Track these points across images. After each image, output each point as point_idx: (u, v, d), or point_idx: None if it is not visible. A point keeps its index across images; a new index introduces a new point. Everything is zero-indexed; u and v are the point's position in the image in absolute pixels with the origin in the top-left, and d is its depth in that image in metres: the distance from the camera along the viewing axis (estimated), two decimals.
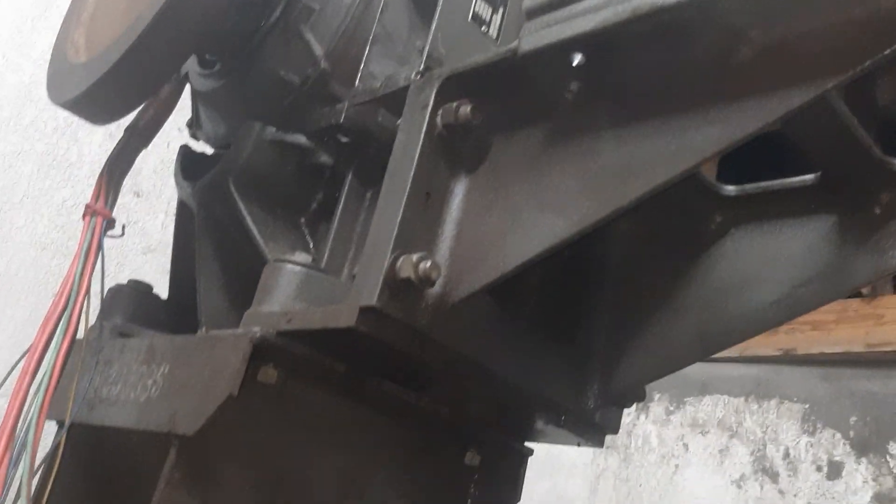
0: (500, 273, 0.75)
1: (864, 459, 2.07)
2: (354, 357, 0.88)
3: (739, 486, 2.23)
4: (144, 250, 2.26)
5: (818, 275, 0.80)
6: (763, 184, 0.85)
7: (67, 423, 0.93)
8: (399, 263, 0.76)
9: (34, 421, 0.78)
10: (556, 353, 0.90)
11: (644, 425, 2.47)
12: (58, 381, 0.82)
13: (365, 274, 0.78)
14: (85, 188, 2.18)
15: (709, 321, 0.85)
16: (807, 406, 2.20)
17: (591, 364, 0.92)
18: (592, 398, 0.92)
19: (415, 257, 0.75)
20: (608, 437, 2.68)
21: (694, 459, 2.34)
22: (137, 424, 0.89)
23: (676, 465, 2.36)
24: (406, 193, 0.78)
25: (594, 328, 0.94)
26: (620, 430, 2.69)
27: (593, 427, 0.95)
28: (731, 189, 0.88)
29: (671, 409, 2.43)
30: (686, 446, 2.36)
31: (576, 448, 2.70)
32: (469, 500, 1.06)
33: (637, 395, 0.94)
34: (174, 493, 0.82)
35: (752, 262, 0.85)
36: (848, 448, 2.11)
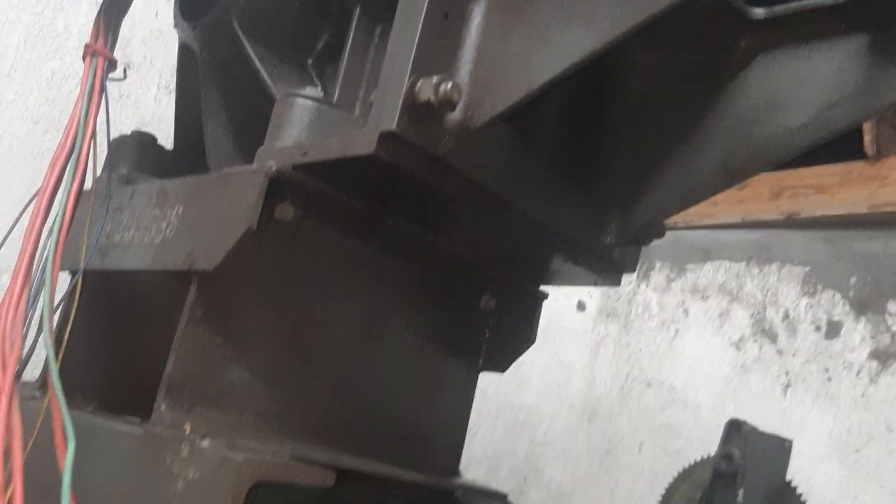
0: (524, 93, 0.72)
1: (862, 318, 2.10)
2: (371, 193, 0.87)
3: (738, 348, 2.27)
4: (139, 124, 2.21)
5: (848, 95, 0.78)
6: (793, 4, 0.82)
7: (81, 269, 0.92)
8: (418, 86, 0.73)
9: (50, 258, 0.76)
10: (575, 189, 0.89)
11: (645, 293, 2.49)
12: (72, 218, 0.80)
13: (382, 99, 0.75)
14: (73, 60, 2.12)
15: (734, 149, 0.83)
16: (807, 268, 2.21)
17: (610, 200, 0.91)
18: (611, 235, 0.92)
19: (434, 79, 0.73)
20: (609, 305, 2.71)
21: (694, 324, 2.37)
22: (153, 265, 0.88)
23: (676, 330, 2.40)
24: (423, 14, 0.74)
25: (614, 164, 0.92)
26: (621, 298, 2.72)
27: (611, 265, 0.95)
28: (759, 12, 0.84)
29: (672, 276, 2.45)
30: (686, 312, 2.39)
31: (576, 316, 2.74)
32: (485, 343, 1.06)
33: (656, 232, 0.93)
34: (197, 329, 0.82)
35: (780, 86, 0.82)
36: (847, 308, 2.13)
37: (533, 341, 1.06)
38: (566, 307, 2.63)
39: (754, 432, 1.69)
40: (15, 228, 0.98)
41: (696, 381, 2.32)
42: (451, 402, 1.05)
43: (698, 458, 1.83)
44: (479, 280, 1.03)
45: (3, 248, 0.95)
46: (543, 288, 1.08)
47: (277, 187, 0.80)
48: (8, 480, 0.60)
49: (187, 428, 0.77)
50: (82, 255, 0.91)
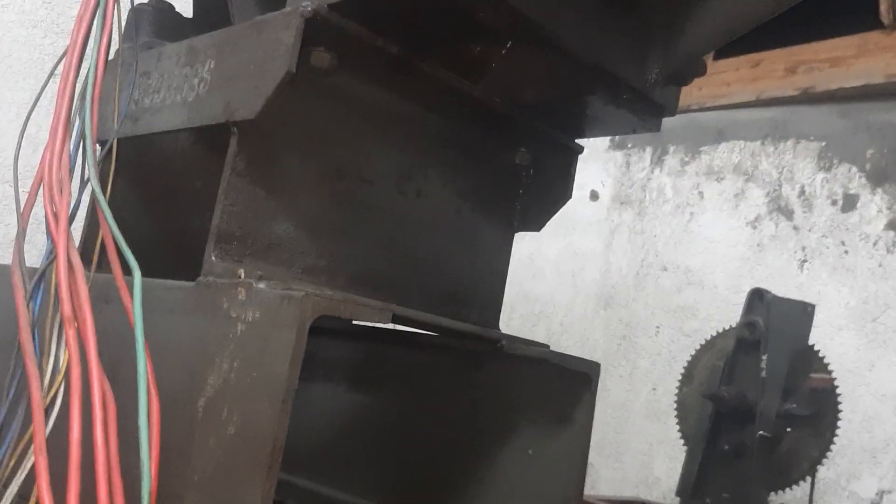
0: None
1: (878, 190, 2.10)
2: (407, 34, 0.85)
3: (754, 227, 2.28)
4: None
5: None
6: None
7: (115, 133, 0.90)
8: None
9: (88, 104, 0.74)
10: (618, 23, 0.87)
11: (659, 178, 2.48)
12: (104, 67, 0.78)
13: None
14: None
15: None
16: (823, 143, 2.20)
17: (651, 35, 0.89)
18: (653, 73, 0.90)
19: None
20: (622, 193, 2.69)
21: (709, 206, 2.37)
22: (189, 123, 0.87)
23: (691, 213, 2.40)
24: None
25: None
26: (634, 185, 2.70)
27: (652, 106, 0.94)
28: None
29: (686, 159, 2.43)
30: (701, 194, 2.39)
31: (589, 206, 2.73)
32: (521, 200, 1.06)
33: (696, 70, 0.91)
34: (240, 181, 0.82)
35: None
36: (863, 180, 2.13)
37: (569, 197, 1.05)
38: (579, 198, 2.63)
39: (777, 299, 1.71)
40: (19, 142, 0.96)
41: (712, 263, 2.33)
42: (490, 259, 1.05)
43: (720, 330, 1.86)
44: (515, 134, 1.01)
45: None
46: (579, 142, 1.06)
47: (313, 29, 0.78)
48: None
49: (241, 273, 0.78)
50: (115, 120, 0.90)
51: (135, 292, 0.59)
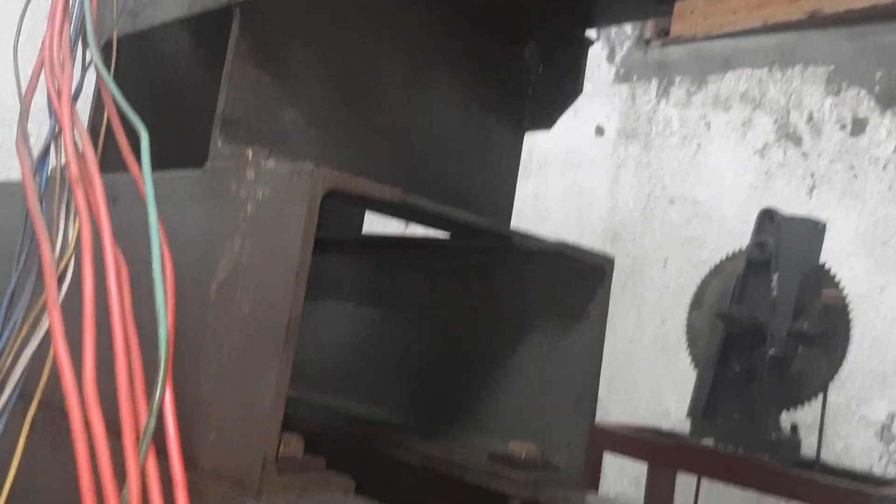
0: None
1: (888, 112, 2.07)
2: None
3: (762, 156, 2.25)
4: None
5: None
6: None
7: (113, 29, 0.89)
8: None
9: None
10: None
11: (665, 109, 2.45)
12: None
13: None
14: None
15: None
16: (831, 67, 2.17)
17: None
18: None
19: None
20: (628, 126, 2.66)
21: (716, 136, 2.35)
22: (190, 11, 0.85)
23: (698, 145, 2.37)
24: None
25: None
26: (640, 118, 2.67)
27: None
28: None
29: (692, 90, 2.40)
30: (708, 125, 2.36)
31: (595, 142, 2.71)
32: (530, 96, 1.04)
33: None
34: (244, 65, 0.80)
35: None
36: (872, 104, 2.10)
37: (579, 92, 1.03)
38: (585, 135, 2.60)
39: (787, 219, 1.69)
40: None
41: (719, 193, 2.31)
42: (499, 160, 1.04)
43: (729, 253, 1.84)
44: (523, 27, 0.99)
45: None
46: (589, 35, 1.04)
47: None
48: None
49: (249, 154, 0.76)
50: (114, 13, 0.88)
51: (143, 154, 0.58)
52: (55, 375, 0.52)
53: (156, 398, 0.50)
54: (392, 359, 1.16)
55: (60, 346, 0.50)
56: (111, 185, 0.71)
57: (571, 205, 2.63)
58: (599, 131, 2.60)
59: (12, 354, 0.56)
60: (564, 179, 2.63)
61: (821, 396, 1.64)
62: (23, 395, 0.63)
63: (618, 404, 2.40)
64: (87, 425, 0.48)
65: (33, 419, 0.81)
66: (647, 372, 2.38)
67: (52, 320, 0.51)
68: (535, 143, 2.45)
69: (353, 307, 1.25)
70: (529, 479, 0.88)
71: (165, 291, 0.52)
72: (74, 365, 0.50)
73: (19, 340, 0.58)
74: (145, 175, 0.57)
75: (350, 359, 1.23)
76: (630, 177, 2.50)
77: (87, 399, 0.48)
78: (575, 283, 0.96)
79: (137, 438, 0.49)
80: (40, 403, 0.69)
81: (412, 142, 0.95)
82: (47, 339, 0.56)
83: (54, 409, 0.85)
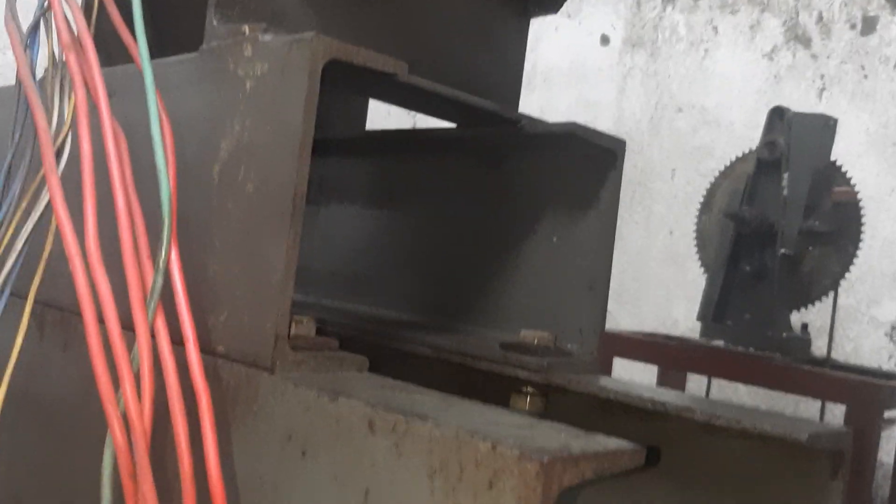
0: None
1: None
2: None
3: (771, 59, 2.21)
4: None
5: None
6: None
7: None
8: None
9: None
10: None
11: (671, 16, 2.40)
12: None
13: None
14: None
15: None
16: None
17: None
18: None
19: None
20: (634, 34, 2.60)
21: (724, 41, 2.29)
22: None
23: (706, 50, 2.32)
24: None
25: None
26: (646, 25, 2.61)
27: None
28: None
29: None
30: (715, 29, 2.31)
31: (600, 52, 2.65)
32: None
33: None
34: None
35: None
36: (883, 1, 2.04)
37: None
38: (589, 45, 2.55)
39: (797, 115, 1.66)
40: None
41: (728, 100, 2.27)
42: (505, 47, 1.01)
43: (739, 154, 1.82)
44: None
45: None
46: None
47: None
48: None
49: (246, 29, 0.73)
50: None
51: (135, 12, 0.55)
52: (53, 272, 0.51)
53: (162, 254, 0.48)
54: (400, 259, 1.15)
55: (61, 211, 0.49)
56: (109, 76, 0.69)
57: (577, 118, 2.59)
58: (604, 41, 2.54)
59: (12, 228, 0.55)
60: (569, 92, 2.59)
61: (831, 295, 1.64)
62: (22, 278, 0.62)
63: (627, 316, 2.41)
64: (93, 289, 0.47)
65: (40, 318, 0.80)
66: (656, 283, 2.37)
67: (52, 186, 0.50)
68: (539, 56, 2.40)
69: (358, 209, 1.24)
70: (542, 364, 0.88)
71: (166, 153, 0.50)
72: (77, 232, 0.49)
73: (18, 214, 0.56)
74: (139, 36, 0.54)
75: (358, 262, 1.22)
76: (637, 86, 2.45)
77: (91, 258, 0.46)
78: (586, 168, 0.94)
79: (144, 298, 0.48)
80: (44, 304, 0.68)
81: (415, 24, 0.92)
82: (47, 212, 0.55)
83: (63, 311, 0.84)
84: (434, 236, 1.12)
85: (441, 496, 0.53)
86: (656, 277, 2.36)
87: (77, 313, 0.48)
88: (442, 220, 1.11)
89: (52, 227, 0.54)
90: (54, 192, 0.49)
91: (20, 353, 0.61)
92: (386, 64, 0.71)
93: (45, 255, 0.56)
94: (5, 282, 0.54)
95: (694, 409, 0.75)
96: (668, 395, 0.81)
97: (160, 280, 0.48)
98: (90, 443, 0.54)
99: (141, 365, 0.45)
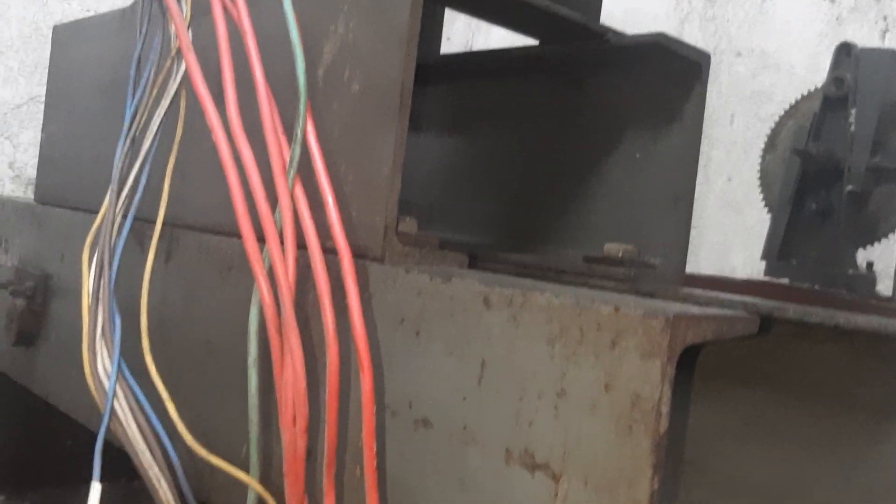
0: None
1: None
2: None
3: (832, 1, 2.17)
4: None
5: None
6: None
7: None
8: None
9: None
10: None
11: None
12: None
13: None
14: None
15: None
16: None
17: None
18: None
19: None
20: None
21: None
22: None
23: None
24: None
25: None
26: None
27: None
28: None
29: None
30: None
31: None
32: None
33: None
34: None
35: None
36: None
37: None
38: None
39: (865, 50, 1.64)
40: None
41: (788, 43, 2.24)
42: None
43: (804, 93, 1.80)
44: None
45: None
46: None
47: None
48: None
49: None
50: None
51: None
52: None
53: (299, 125, 0.51)
54: (477, 185, 1.17)
55: (200, 85, 0.51)
56: None
57: None
58: None
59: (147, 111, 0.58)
60: None
61: None
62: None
63: None
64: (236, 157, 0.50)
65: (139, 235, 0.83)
66: (714, 230, 2.37)
67: (189, 63, 0.52)
68: None
69: (433, 138, 1.25)
70: (629, 274, 0.89)
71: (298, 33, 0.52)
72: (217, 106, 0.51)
73: (152, 96, 0.59)
74: None
75: (434, 191, 1.24)
76: (695, 31, 2.43)
77: (233, 127, 0.49)
78: (670, 82, 0.95)
79: (284, 167, 0.50)
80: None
81: None
82: (177, 98, 0.57)
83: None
84: (511, 160, 1.14)
85: (561, 360, 0.55)
86: (714, 224, 2.35)
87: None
88: (519, 144, 1.13)
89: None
90: (192, 68, 0.52)
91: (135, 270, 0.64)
92: None
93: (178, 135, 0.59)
94: (143, 162, 0.57)
95: (787, 308, 0.76)
96: (759, 301, 0.82)
97: (297, 150, 0.51)
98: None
99: (284, 225, 0.47)
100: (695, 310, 0.54)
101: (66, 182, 1.14)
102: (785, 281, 1.72)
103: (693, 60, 0.92)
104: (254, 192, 0.48)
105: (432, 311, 0.63)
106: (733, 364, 0.77)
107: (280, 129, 0.52)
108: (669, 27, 2.47)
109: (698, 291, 0.87)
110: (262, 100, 0.51)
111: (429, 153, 1.26)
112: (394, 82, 0.68)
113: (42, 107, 2.02)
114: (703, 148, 2.43)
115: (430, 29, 1.25)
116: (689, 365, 0.71)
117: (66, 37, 1.19)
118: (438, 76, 1.23)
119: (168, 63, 0.58)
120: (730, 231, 2.32)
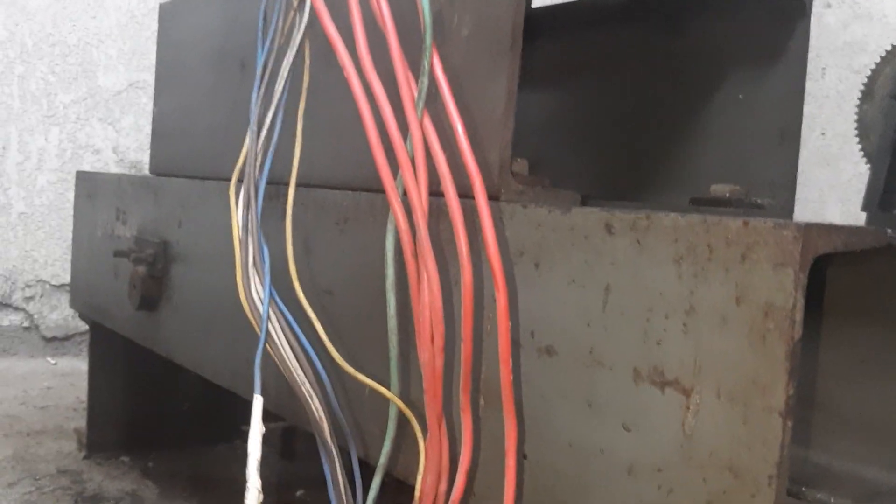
0: None
1: None
2: None
3: None
4: None
5: None
6: None
7: None
8: None
9: None
10: None
11: None
12: None
13: None
14: None
15: None
16: None
17: None
18: None
19: None
20: None
21: None
22: None
23: None
24: None
25: None
26: None
27: None
28: None
29: None
30: None
31: None
32: None
33: None
34: None
35: None
36: None
37: None
38: None
39: None
40: None
41: None
42: None
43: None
44: None
45: None
46: None
47: None
48: None
49: None
50: None
51: None
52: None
53: (426, 58, 0.53)
54: (580, 137, 1.18)
55: (329, 26, 0.54)
56: None
57: None
58: None
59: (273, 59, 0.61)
60: None
61: None
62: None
63: None
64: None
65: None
66: (808, 186, 2.31)
67: (317, 6, 0.54)
68: None
69: (527, 93, 1.26)
70: (737, 215, 0.89)
71: None
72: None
73: (279, 42, 0.62)
74: None
75: (532, 145, 1.25)
76: None
77: (363, 62, 0.51)
78: (772, 20, 0.94)
79: (413, 99, 0.53)
80: None
81: None
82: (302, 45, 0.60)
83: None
84: (611, 110, 1.14)
85: (689, 278, 0.56)
86: (808, 180, 2.29)
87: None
88: (619, 93, 1.13)
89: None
90: (320, 9, 0.54)
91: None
92: None
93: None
94: (277, 106, 0.60)
95: None
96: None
97: (426, 81, 0.53)
98: None
99: (415, 152, 0.50)
100: (823, 224, 0.54)
101: (179, 152, 1.19)
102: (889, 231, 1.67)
103: None
104: (386, 122, 0.50)
105: (552, 242, 0.64)
106: (848, 301, 0.76)
107: (406, 64, 0.54)
108: None
109: None
110: (390, 33, 0.53)
111: (529, 108, 1.27)
112: (505, 22, 0.70)
113: (140, 93, 2.10)
114: None
115: None
116: (816, 306, 0.71)
117: (171, 13, 1.24)
118: (532, 30, 1.23)
119: (292, 14, 0.61)
120: (825, 186, 2.26)
